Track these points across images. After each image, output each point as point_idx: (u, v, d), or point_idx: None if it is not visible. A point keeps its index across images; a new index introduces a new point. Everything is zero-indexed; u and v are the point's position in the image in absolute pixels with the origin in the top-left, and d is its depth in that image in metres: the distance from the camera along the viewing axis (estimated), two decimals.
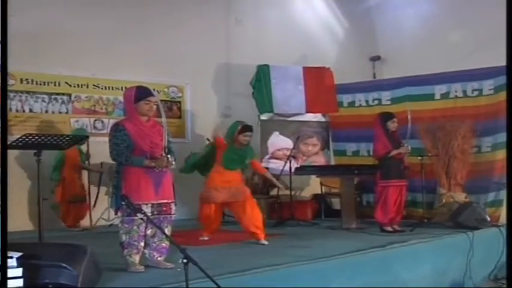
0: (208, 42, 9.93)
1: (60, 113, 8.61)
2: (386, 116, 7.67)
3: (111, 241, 5.38)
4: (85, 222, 8.25)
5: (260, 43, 10.35)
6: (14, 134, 6.71)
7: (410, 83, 9.00)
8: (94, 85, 8.95)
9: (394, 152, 7.45)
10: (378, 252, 5.96)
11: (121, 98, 8.10)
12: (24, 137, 5.30)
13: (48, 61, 8.35)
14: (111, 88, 9.08)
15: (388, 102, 9.28)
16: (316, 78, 9.93)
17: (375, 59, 11.81)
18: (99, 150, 7.98)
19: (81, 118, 8.78)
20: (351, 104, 9.81)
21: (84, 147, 8.19)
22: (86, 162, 8.24)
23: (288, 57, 10.29)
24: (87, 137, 7.60)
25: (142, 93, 4.99)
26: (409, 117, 7.49)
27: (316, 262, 5.30)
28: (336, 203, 9.56)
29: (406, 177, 7.61)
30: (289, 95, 9.80)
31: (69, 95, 8.72)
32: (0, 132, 4.08)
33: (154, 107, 4.99)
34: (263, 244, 6.53)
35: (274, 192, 9.41)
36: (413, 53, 10.83)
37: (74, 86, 8.77)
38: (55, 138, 5.64)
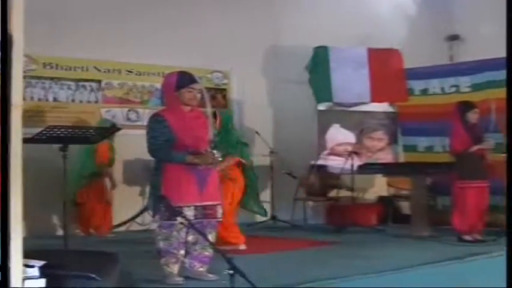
0: (257, 20, 9.93)
1: (88, 102, 8.73)
2: (466, 106, 7.57)
3: (146, 248, 5.43)
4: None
5: (317, 21, 10.28)
6: (37, 127, 6.74)
7: (494, 67, 8.79)
8: (127, 71, 9.04)
9: (474, 148, 7.36)
10: (454, 265, 5.88)
11: (158, 85, 8.14)
12: (48, 130, 5.39)
13: (75, 43, 8.44)
14: (146, 74, 9.16)
15: (468, 90, 9.14)
16: (383, 62, 9.85)
17: (452, 38, 11.62)
18: (133, 144, 8.08)
19: (113, 108, 8.88)
20: (424, 92, 9.71)
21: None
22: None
23: (349, 37, 10.20)
24: (118, 129, 7.69)
25: (184, 79, 5.01)
26: (492, 107, 7.35)
27: (381, 275, 5.27)
28: (405, 207, 9.47)
29: (489, 177, 7.49)
30: (351, 81, 9.72)
31: (99, 82, 8.83)
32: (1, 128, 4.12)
33: (198, 95, 5.01)
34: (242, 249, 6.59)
35: (333, 193, 9.36)
36: (497, 30, 10.57)
37: (105, 72, 8.88)
38: (83, 130, 5.71)
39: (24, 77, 5.06)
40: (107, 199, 8.19)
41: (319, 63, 9.65)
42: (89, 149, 7.89)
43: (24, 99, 4.68)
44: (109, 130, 7.14)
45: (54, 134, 5.39)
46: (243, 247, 6.84)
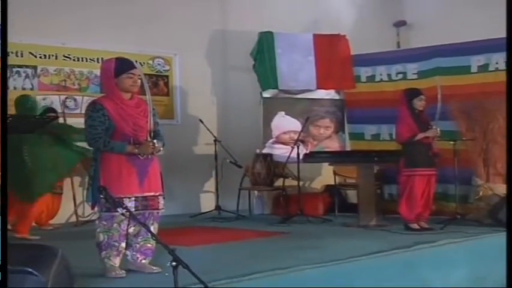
0: (201, 4, 9.91)
1: (24, 89, 8.57)
2: (413, 93, 7.67)
3: (86, 242, 5.39)
4: (57, 219, 8.27)
5: (261, 5, 10.32)
6: None
7: (441, 53, 8.96)
8: (64, 56, 8.92)
9: (420, 136, 7.46)
10: (401, 254, 5.97)
11: (97, 72, 8.11)
12: None
13: (9, 27, 8.28)
14: (85, 59, 9.05)
15: (415, 77, 9.27)
16: (329, 48, 9.92)
17: (400, 24, 11.77)
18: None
19: (50, 95, 8.75)
20: (371, 79, 9.80)
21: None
22: None
23: (295, 23, 10.27)
24: (57, 117, 7.61)
25: (123, 65, 4.98)
26: (439, 94, 7.48)
27: (328, 265, 5.31)
28: (352, 196, 9.58)
29: (436, 165, 7.62)
30: (297, 68, 9.80)
31: (35, 68, 8.70)
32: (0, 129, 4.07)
33: (139, 81, 4.99)
34: None
35: (279, 183, 9.42)
36: (445, 17, 10.79)
37: (40, 57, 8.75)
38: (19, 119, 5.63)
39: None
40: None
41: (264, 49, 9.68)
42: None
43: None
44: (47, 118, 7.06)
45: None
46: None
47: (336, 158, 9.30)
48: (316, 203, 9.54)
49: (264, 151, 9.58)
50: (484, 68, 8.70)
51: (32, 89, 8.64)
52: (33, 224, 7.92)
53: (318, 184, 10.46)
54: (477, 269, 6.36)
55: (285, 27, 9.86)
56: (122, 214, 4.67)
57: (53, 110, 8.15)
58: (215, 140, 9.29)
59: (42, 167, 7.01)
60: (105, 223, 4.92)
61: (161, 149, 5.02)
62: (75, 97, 8.90)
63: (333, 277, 5.18)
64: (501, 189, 8.00)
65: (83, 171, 8.11)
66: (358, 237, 7.13)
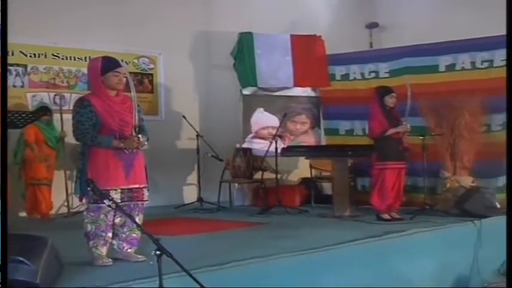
0: (185, 6, 9.88)
1: (14, 86, 8.53)
2: (384, 91, 7.71)
3: (74, 232, 5.39)
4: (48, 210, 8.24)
5: (243, 7, 10.31)
6: None
7: (411, 54, 9.01)
8: (53, 55, 8.88)
9: (391, 131, 7.50)
10: (373, 242, 6.00)
11: (84, 70, 8.06)
12: None
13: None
14: (73, 58, 9.01)
15: (386, 75, 9.29)
16: (306, 48, 9.92)
17: (372, 26, 11.81)
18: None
19: (39, 93, 8.70)
20: (345, 77, 9.81)
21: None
22: (59, 142, 8.18)
23: (274, 24, 10.26)
24: (45, 114, 7.56)
25: (110, 63, 4.98)
26: (409, 92, 7.52)
27: (305, 254, 5.33)
28: (327, 188, 9.60)
29: (406, 159, 7.67)
30: (276, 66, 9.79)
31: (25, 66, 8.65)
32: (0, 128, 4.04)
33: (124, 79, 4.99)
34: None
35: (258, 175, 9.44)
36: (415, 19, 10.84)
37: (30, 56, 8.70)
38: (9, 115, 5.60)
39: None
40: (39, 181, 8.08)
41: (244, 49, 9.66)
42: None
43: None
44: (36, 114, 7.05)
45: None
46: None
47: (312, 152, 9.34)
48: (293, 195, 9.56)
49: (244, 146, 9.58)
50: (451, 68, 8.75)
51: (22, 86, 8.59)
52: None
53: (294, 177, 10.49)
54: (444, 257, 6.43)
55: (265, 28, 9.85)
56: (109, 205, 4.66)
57: (47, 108, 8.16)
58: (197, 135, 9.28)
59: None
60: (92, 214, 4.92)
61: (146, 143, 5.03)
62: (64, 94, 8.84)
63: (310, 265, 5.21)
64: (467, 181, 8.10)
65: (71, 165, 8.07)
66: (333, 227, 7.15)
